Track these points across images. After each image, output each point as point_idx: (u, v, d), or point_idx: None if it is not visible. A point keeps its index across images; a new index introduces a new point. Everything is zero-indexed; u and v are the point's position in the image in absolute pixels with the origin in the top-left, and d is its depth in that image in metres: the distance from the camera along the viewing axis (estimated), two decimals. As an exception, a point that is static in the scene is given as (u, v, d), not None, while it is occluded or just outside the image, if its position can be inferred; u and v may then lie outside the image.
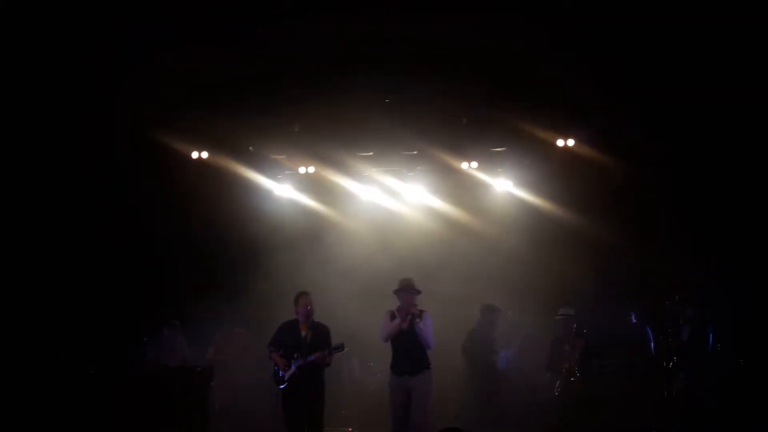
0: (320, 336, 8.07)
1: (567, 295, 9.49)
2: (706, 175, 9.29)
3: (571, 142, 9.86)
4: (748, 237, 9.08)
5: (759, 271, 8.99)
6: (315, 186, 10.76)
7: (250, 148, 10.34)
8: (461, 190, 10.64)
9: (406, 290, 8.03)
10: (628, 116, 9.16)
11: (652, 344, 9.01)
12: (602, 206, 9.86)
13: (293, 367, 7.99)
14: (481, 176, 10.46)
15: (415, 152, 10.41)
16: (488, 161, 10.36)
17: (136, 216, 9.96)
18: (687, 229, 9.40)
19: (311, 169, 10.53)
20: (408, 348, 7.92)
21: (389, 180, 10.61)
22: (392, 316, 8.02)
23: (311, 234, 10.50)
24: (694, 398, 8.54)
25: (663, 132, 9.24)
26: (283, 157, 10.53)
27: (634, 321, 9.40)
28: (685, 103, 8.81)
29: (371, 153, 10.39)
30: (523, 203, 10.45)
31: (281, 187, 10.78)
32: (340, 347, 8.08)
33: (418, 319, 7.88)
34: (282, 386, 8.03)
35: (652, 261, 9.55)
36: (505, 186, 10.50)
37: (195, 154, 10.20)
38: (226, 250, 10.47)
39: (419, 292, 8.06)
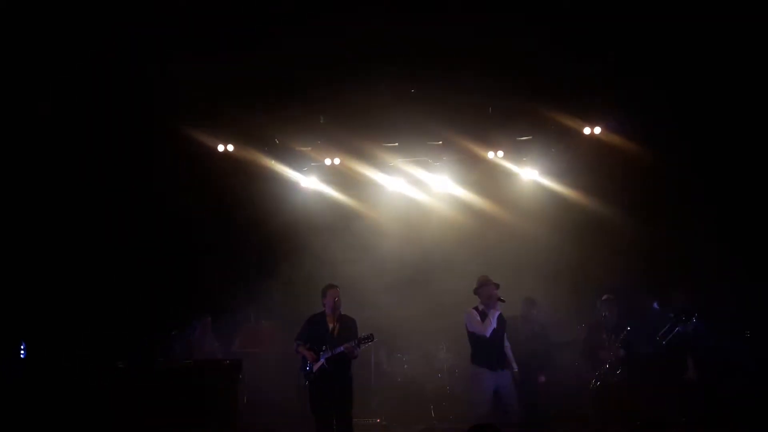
0: (348, 328, 8.06)
1: (591, 283, 9.46)
2: (733, 166, 9.10)
3: (597, 130, 9.71)
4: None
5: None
6: (341, 177, 10.73)
7: (276, 140, 10.30)
8: (487, 179, 10.56)
9: (488, 285, 8.04)
10: (655, 105, 9.02)
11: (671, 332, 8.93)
12: (627, 195, 9.72)
13: (322, 360, 7.99)
14: (508, 165, 10.36)
15: (441, 142, 10.32)
16: (514, 150, 10.26)
17: (168, 209, 10.00)
18: (711, 218, 9.26)
19: (337, 161, 10.49)
20: (500, 343, 7.98)
21: (415, 170, 10.53)
22: (481, 315, 8.04)
23: (338, 225, 10.49)
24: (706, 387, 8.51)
25: (690, 121, 9.08)
26: (309, 149, 10.49)
27: (657, 307, 9.45)
28: (712, 92, 8.65)
29: (396, 144, 10.31)
30: (549, 192, 10.34)
31: (307, 179, 10.76)
32: (370, 337, 8.06)
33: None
34: (311, 379, 8.04)
35: (676, 251, 9.43)
36: (531, 175, 10.39)
37: (221, 147, 10.20)
38: (252, 244, 10.49)
39: (498, 286, 8.07)
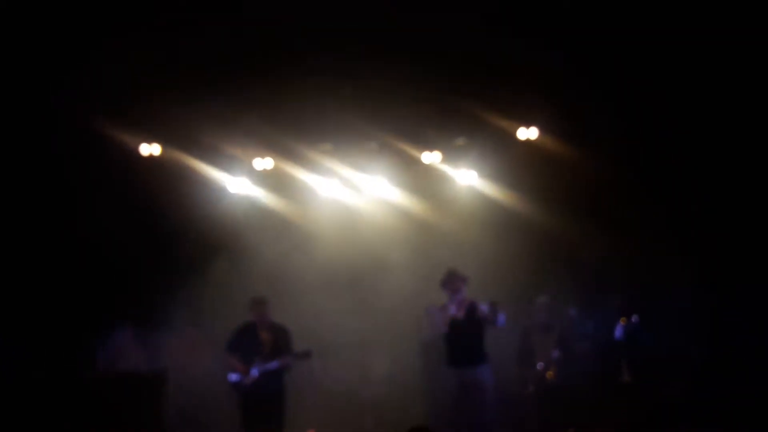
0: (281, 339, 7.83)
1: (526, 287, 9.40)
2: (670, 168, 9.17)
3: (533, 133, 9.62)
4: (714, 235, 8.98)
5: (722, 270, 8.91)
6: (272, 180, 10.38)
7: (205, 142, 9.88)
8: (424, 182, 10.37)
9: (453, 279, 7.90)
10: (593, 107, 9.00)
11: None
12: (563, 199, 9.70)
13: (254, 372, 7.72)
14: (444, 168, 10.21)
15: (376, 144, 10.09)
16: (451, 153, 10.10)
17: (85, 214, 9.48)
18: (649, 221, 9.33)
19: (268, 164, 10.13)
20: (466, 337, 7.75)
21: (349, 173, 10.27)
22: (443, 309, 7.93)
23: (269, 230, 10.11)
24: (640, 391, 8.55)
25: (626, 124, 9.10)
26: (239, 150, 10.08)
27: (574, 314, 9.46)
28: (648, 95, 8.68)
29: (330, 146, 10.05)
30: (485, 196, 10.23)
31: (237, 183, 10.35)
32: (307, 354, 7.83)
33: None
34: (241, 392, 7.76)
35: (614, 254, 9.44)
36: (468, 178, 10.26)
37: (145, 148, 9.72)
38: (180, 250, 10.00)
39: (466, 280, 7.93)
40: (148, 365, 9.19)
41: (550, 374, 8.81)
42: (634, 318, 8.69)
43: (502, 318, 7.73)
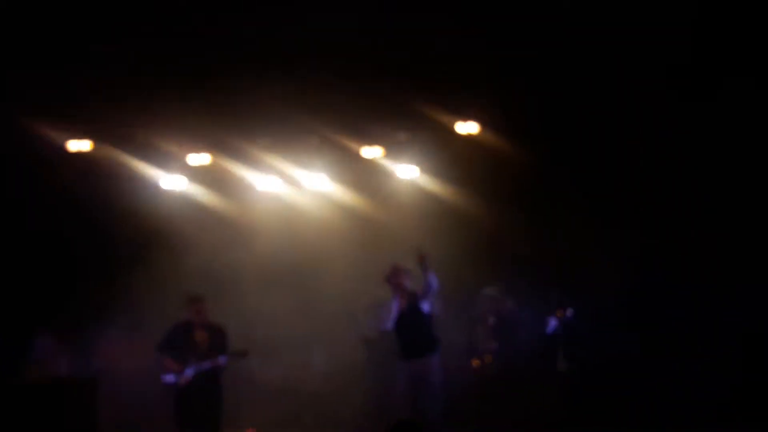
0: (217, 339, 7.64)
1: (468, 282, 9.42)
2: (607, 164, 9.27)
3: (474, 128, 9.60)
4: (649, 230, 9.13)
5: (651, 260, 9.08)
6: (209, 177, 10.14)
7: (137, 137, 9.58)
8: (364, 178, 10.29)
9: (397, 273, 7.81)
10: (532, 102, 9.03)
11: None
12: (502, 194, 9.74)
13: (188, 372, 7.54)
14: (385, 164, 10.13)
15: (317, 139, 9.95)
16: (393, 148, 10.02)
17: (12, 214, 9.12)
18: (586, 216, 9.44)
19: (205, 159, 9.88)
20: (411, 330, 7.70)
21: (289, 168, 10.10)
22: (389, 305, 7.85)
23: (206, 228, 9.89)
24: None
25: (563, 120, 9.17)
26: (174, 146, 9.80)
27: (511, 306, 9.54)
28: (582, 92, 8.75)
29: (269, 140, 9.85)
30: (426, 191, 10.20)
31: (172, 180, 10.06)
32: (243, 353, 7.67)
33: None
34: (176, 393, 7.57)
35: (548, 249, 9.55)
36: (408, 173, 10.20)
37: (74, 144, 9.37)
38: (111, 250, 9.67)
39: (409, 272, 7.84)
40: (80, 369, 8.89)
41: (489, 358, 8.88)
42: (569, 311, 8.81)
43: (432, 278, 7.70)
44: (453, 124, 9.56)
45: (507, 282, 9.65)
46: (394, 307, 7.76)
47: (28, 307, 9.01)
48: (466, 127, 9.55)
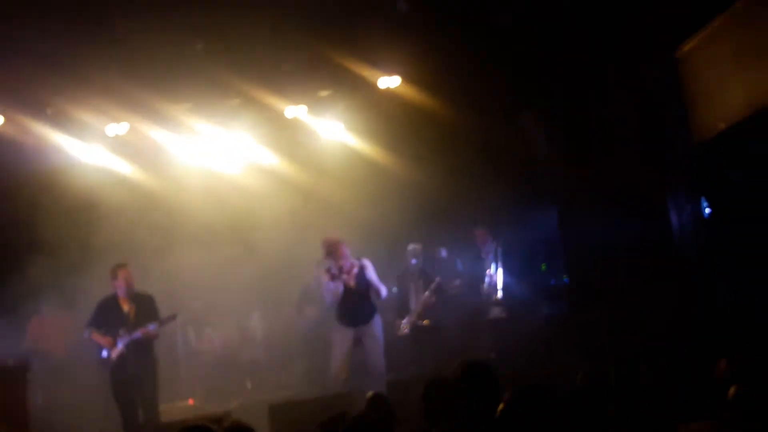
0: (145, 308, 7.47)
1: (395, 238, 9.49)
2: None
3: (394, 82, 9.50)
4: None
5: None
6: (128, 146, 9.82)
7: (47, 110, 9.16)
8: (288, 137, 10.12)
9: (335, 246, 7.83)
10: (451, 54, 8.98)
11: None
12: (425, 147, 9.73)
13: (119, 345, 7.38)
14: (309, 122, 9.98)
15: (238, 100, 9.69)
16: (315, 106, 9.86)
17: None
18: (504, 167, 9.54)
19: (123, 129, 9.54)
20: (357, 300, 7.84)
21: (211, 132, 9.84)
22: (331, 275, 7.82)
23: (127, 198, 9.58)
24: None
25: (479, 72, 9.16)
26: (91, 115, 9.41)
27: (444, 255, 9.84)
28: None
29: (189, 104, 9.56)
30: (351, 149, 10.11)
31: (90, 151, 9.70)
32: (172, 317, 7.56)
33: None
34: (109, 367, 7.40)
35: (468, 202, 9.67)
36: (332, 132, 10.08)
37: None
38: (30, 227, 9.28)
39: (342, 242, 7.92)
40: (8, 352, 8.55)
41: (426, 322, 8.99)
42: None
43: (382, 289, 7.99)
44: (374, 78, 9.43)
45: (435, 232, 9.76)
46: (341, 285, 7.79)
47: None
48: (388, 81, 9.44)
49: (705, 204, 7.71)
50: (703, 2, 7.15)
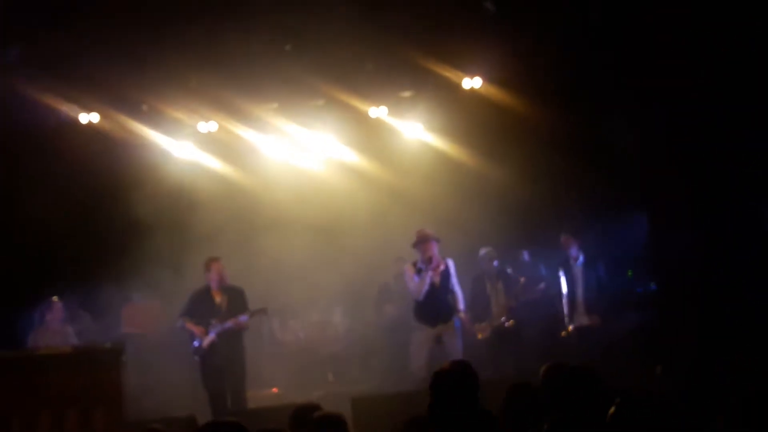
0: (236, 300, 7.78)
1: (476, 238, 9.40)
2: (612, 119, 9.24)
3: (478, 83, 9.58)
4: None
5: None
6: (218, 144, 10.19)
7: (144, 106, 9.60)
8: (371, 138, 10.30)
9: (427, 240, 7.87)
10: (536, 55, 8.97)
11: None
12: (509, 148, 9.72)
13: (211, 334, 7.70)
14: (391, 122, 10.14)
15: (322, 102, 9.94)
16: (397, 107, 10.02)
17: (26, 189, 9.18)
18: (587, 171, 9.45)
19: (213, 126, 9.93)
20: (439, 299, 7.91)
21: (297, 131, 10.13)
22: (417, 270, 7.91)
23: (217, 195, 9.92)
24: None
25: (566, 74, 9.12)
26: (182, 114, 9.81)
27: (527, 259, 9.73)
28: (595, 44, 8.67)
29: (276, 105, 9.87)
30: (433, 148, 10.21)
31: (182, 147, 10.13)
32: (263, 311, 7.84)
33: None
34: (201, 355, 7.73)
35: (552, 204, 9.63)
36: (415, 132, 10.21)
37: (84, 117, 9.43)
38: (124, 218, 9.70)
39: (439, 240, 7.97)
40: (103, 337, 8.94)
41: (511, 323, 8.95)
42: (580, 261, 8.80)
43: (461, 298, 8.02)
44: (457, 79, 9.53)
45: (518, 235, 9.73)
46: (427, 279, 7.84)
47: (41, 277, 9.08)
48: (470, 82, 9.53)
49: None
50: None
